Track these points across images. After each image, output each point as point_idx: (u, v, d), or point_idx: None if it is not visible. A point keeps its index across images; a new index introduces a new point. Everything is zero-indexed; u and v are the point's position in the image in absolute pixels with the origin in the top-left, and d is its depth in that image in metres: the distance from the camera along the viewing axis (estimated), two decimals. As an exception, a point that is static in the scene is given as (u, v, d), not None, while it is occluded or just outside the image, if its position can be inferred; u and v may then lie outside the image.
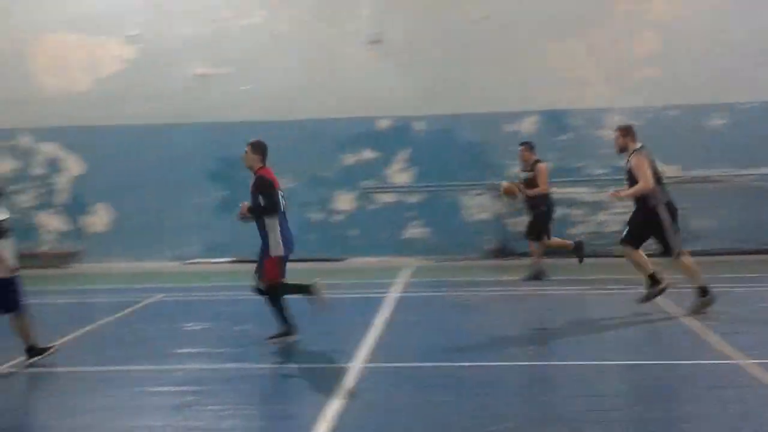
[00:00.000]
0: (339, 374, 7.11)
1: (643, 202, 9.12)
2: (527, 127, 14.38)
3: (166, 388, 6.97)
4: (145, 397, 6.76)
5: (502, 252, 12.84)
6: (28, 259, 14.82)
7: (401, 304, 10.60)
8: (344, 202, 14.86)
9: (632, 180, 9.12)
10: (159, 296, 11.83)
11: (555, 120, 14.56)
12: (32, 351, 7.80)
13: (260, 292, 8.51)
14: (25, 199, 15.07)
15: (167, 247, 14.94)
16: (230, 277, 13.55)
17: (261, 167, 8.51)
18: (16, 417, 6.46)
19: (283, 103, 14.69)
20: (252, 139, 8.64)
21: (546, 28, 14.41)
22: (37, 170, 15.11)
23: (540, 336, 8.78)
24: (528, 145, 12.20)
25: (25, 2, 14.92)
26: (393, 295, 11.23)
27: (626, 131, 9.30)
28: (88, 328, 9.63)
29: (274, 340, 8.32)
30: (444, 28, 14.64)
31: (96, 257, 14.92)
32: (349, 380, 6.95)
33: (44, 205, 15.11)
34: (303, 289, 8.53)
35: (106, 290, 12.69)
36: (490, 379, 7.08)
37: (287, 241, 8.42)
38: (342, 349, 8.01)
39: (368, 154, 14.88)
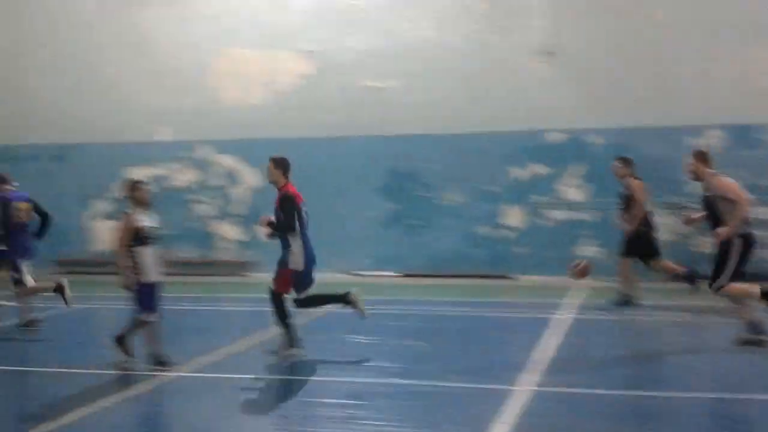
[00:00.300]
0: (505, 396, 6.95)
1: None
2: (712, 141, 13.59)
3: (331, 400, 7.06)
4: (310, 408, 6.88)
5: (689, 276, 11.98)
6: (206, 266, 15.67)
7: (572, 326, 10.27)
8: (512, 217, 14.63)
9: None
10: (327, 307, 12.03)
11: (743, 134, 13.70)
12: (157, 359, 8.15)
13: (298, 302, 8.68)
14: (205, 209, 15.82)
15: (335, 259, 15.22)
16: (398, 290, 13.65)
17: (285, 183, 8.75)
18: (184, 422, 6.71)
19: (451, 115, 14.67)
20: (275, 155, 8.93)
21: (732, 33, 13.58)
22: (216, 181, 15.84)
23: (725, 365, 8.23)
24: (623, 160, 11.74)
25: (208, 19, 15.71)
26: (563, 316, 10.91)
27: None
28: (260, 337, 9.93)
29: (284, 353, 8.46)
30: (619, 36, 14.14)
31: (270, 267, 15.36)
32: (515, 403, 6.77)
33: (222, 214, 15.81)
34: (339, 299, 8.76)
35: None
36: (667, 411, 6.70)
37: (310, 256, 8.63)
38: (508, 371, 7.84)
39: (538, 169, 14.58)
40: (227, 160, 15.76)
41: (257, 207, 15.59)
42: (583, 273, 11.20)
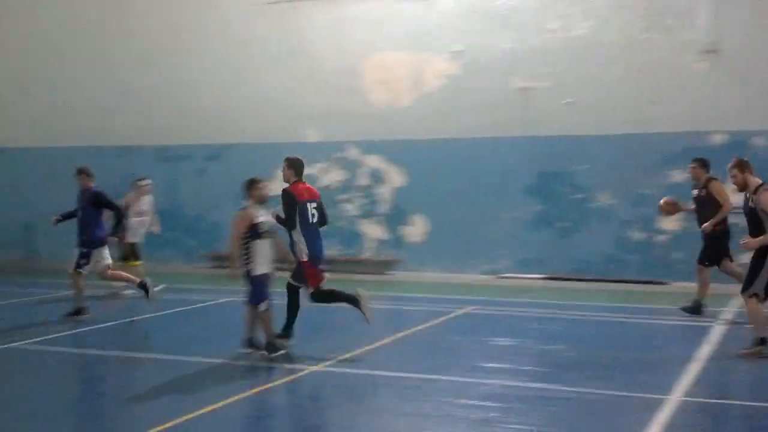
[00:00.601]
0: (652, 406, 6.65)
1: None
2: None
3: (470, 402, 6.98)
4: (449, 408, 6.81)
5: None
6: (351, 264, 15.90)
7: (730, 335, 9.72)
8: (669, 221, 14.02)
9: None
10: (469, 308, 11.98)
11: None
12: (250, 343, 8.59)
13: (312, 297, 8.99)
14: (351, 208, 16.07)
15: (480, 259, 15.12)
16: (542, 293, 13.39)
17: (295, 182, 9.06)
18: (321, 416, 6.80)
19: (604, 116, 14.25)
20: (289, 155, 9.37)
21: None
22: (362, 181, 16.05)
23: None
24: (700, 162, 11.09)
25: (358, 23, 15.95)
26: (721, 325, 10.35)
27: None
28: (399, 334, 9.97)
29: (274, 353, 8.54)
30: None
31: (412, 266, 15.51)
32: (662, 414, 6.46)
33: (367, 214, 16.01)
34: (351, 300, 8.94)
35: (419, 299, 13.11)
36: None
37: (314, 252, 8.89)
38: (658, 379, 7.52)
39: (699, 171, 13.89)
40: (373, 161, 15.94)
41: (401, 206, 15.72)
42: (669, 209, 11.47)
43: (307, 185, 9.31)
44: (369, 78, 15.89)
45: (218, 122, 16.76)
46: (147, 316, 11.24)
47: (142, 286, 11.11)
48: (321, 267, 9.09)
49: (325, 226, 9.32)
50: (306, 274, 8.94)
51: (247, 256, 8.47)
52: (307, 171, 15.81)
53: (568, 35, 14.66)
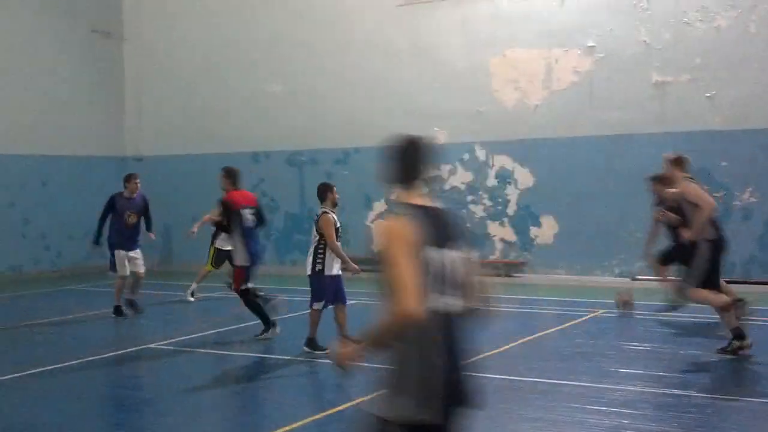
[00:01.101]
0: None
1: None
2: None
3: (602, 408, 6.81)
4: (579, 414, 6.66)
5: None
6: (479, 266, 15.77)
7: None
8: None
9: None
10: (601, 312, 11.67)
11: None
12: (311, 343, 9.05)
13: (240, 293, 9.91)
14: (478, 210, 15.96)
15: (615, 261, 14.72)
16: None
17: (231, 190, 10.06)
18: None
19: (745, 110, 13.63)
20: (226, 166, 10.51)
21: None
22: (490, 182, 15.91)
23: None
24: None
25: (487, 21, 15.84)
26: None
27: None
28: (528, 338, 9.84)
29: (260, 336, 9.83)
30: None
31: (541, 268, 15.27)
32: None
33: (495, 215, 15.86)
34: (264, 317, 9.83)
35: (548, 302, 12.90)
36: None
37: (251, 255, 9.83)
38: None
39: None
40: (502, 161, 15.77)
41: (529, 207, 15.48)
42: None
43: (244, 192, 10.32)
44: (497, 76, 15.75)
45: (346, 126, 17.01)
46: (281, 317, 11.47)
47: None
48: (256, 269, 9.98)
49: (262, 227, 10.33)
50: (235, 276, 10.04)
51: (322, 256, 8.99)
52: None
53: (707, 27, 14.09)
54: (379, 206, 16.79)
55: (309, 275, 9.05)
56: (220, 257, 13.07)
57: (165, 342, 9.98)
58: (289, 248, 17.10)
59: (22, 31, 17.40)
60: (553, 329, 10.44)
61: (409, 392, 3.43)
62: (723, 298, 8.58)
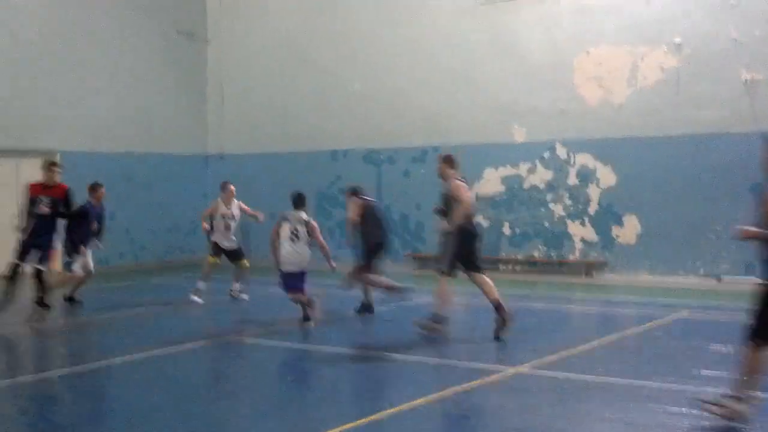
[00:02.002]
0: None
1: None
2: None
3: (681, 410, 6.67)
4: (659, 417, 6.54)
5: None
6: (557, 266, 15.66)
7: None
8: None
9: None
10: (685, 312, 11.44)
11: None
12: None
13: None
14: (558, 209, 15.80)
15: (700, 262, 14.39)
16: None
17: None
18: (524, 419, 6.73)
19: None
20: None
21: None
22: (570, 181, 15.73)
23: None
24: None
25: (569, 17, 15.67)
26: None
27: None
28: (608, 338, 9.70)
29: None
30: None
31: (622, 268, 15.03)
32: None
33: (575, 214, 15.68)
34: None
35: (630, 302, 12.69)
36: None
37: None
38: None
39: None
40: (583, 160, 15.58)
41: (611, 206, 15.26)
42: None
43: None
44: (580, 74, 15.57)
45: (424, 124, 17.05)
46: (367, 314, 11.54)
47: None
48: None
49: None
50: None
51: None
52: (514, 171, 16.10)
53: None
54: (458, 205, 16.74)
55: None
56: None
57: (243, 334, 10.16)
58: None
59: (108, 33, 17.97)
60: (634, 330, 10.27)
61: None
62: (386, 281, 11.08)
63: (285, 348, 9.53)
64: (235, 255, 13.01)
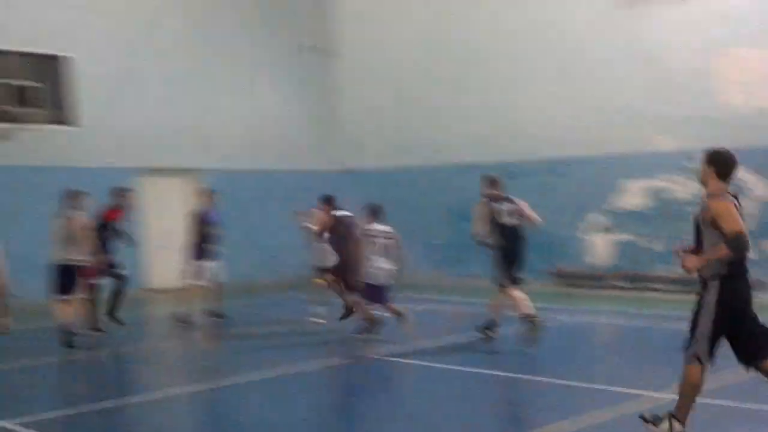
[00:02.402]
0: None
1: None
2: None
3: None
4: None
5: None
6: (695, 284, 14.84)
7: None
8: None
9: None
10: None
11: None
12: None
13: None
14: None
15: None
16: None
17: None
18: None
19: None
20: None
21: None
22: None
23: None
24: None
25: (713, 19, 14.92)
26: None
27: None
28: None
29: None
30: None
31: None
32: None
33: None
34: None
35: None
36: None
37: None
38: None
39: None
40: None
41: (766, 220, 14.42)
42: None
43: None
44: (725, 78, 14.80)
45: (556, 135, 16.61)
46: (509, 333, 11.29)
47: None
48: None
49: None
50: None
51: None
52: (657, 183, 15.44)
53: None
54: (593, 217, 16.26)
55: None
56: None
57: (385, 353, 10.09)
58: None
59: (239, 50, 18.43)
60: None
61: None
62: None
63: (423, 366, 9.39)
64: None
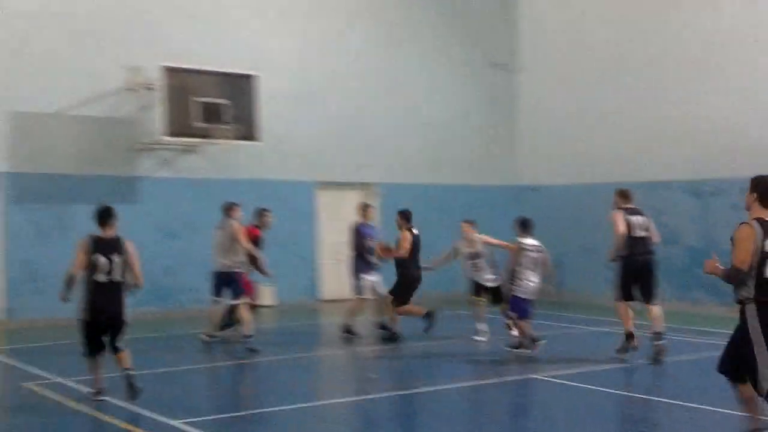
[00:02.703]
0: None
1: None
2: None
3: None
4: None
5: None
6: None
7: None
8: None
9: None
10: None
11: None
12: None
13: None
14: None
15: None
16: None
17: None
18: None
19: None
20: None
21: None
22: None
23: None
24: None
25: None
26: None
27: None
28: None
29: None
30: None
31: None
32: None
33: None
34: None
35: None
36: None
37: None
38: None
39: None
40: None
41: None
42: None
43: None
44: None
45: (758, 152, 15.48)
46: (676, 358, 10.66)
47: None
48: None
49: None
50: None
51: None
52: None
53: None
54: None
55: None
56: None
57: (550, 374, 9.75)
58: (691, 285, 15.97)
59: (420, 67, 18.59)
60: None
61: None
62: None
63: (585, 389, 8.99)
64: (495, 293, 12.30)
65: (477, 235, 12.56)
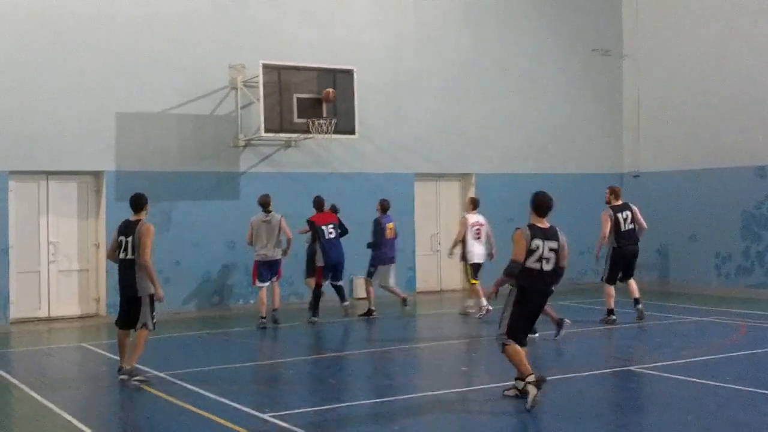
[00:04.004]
0: None
1: None
2: None
3: None
4: None
5: None
6: None
7: None
8: None
9: None
10: None
11: None
12: None
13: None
14: None
15: None
16: None
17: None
18: None
19: None
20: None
21: None
22: None
23: None
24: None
25: None
26: None
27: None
28: None
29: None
30: None
31: None
32: None
33: None
34: None
35: None
36: None
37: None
38: None
39: None
40: None
41: None
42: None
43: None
44: None
45: None
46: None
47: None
48: None
49: None
50: None
51: None
52: None
53: None
54: None
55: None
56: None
57: (649, 365, 9.69)
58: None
59: (523, 55, 18.52)
60: None
61: None
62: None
63: (699, 384, 8.91)
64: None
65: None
